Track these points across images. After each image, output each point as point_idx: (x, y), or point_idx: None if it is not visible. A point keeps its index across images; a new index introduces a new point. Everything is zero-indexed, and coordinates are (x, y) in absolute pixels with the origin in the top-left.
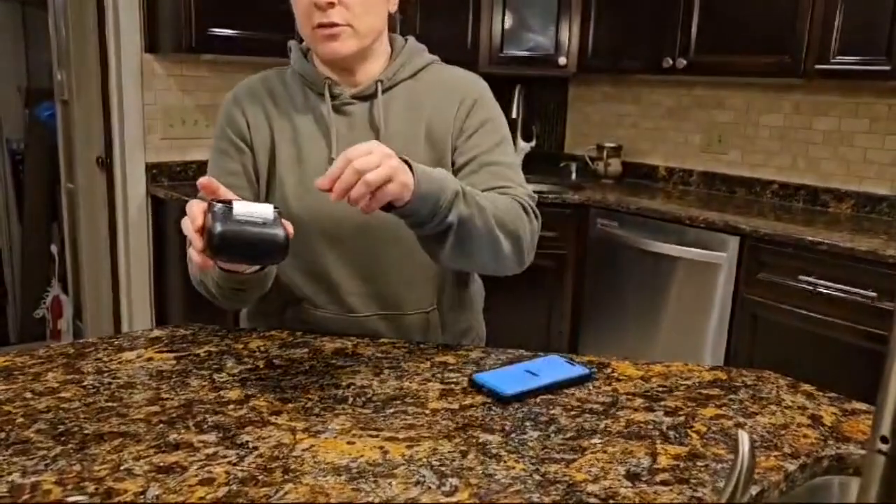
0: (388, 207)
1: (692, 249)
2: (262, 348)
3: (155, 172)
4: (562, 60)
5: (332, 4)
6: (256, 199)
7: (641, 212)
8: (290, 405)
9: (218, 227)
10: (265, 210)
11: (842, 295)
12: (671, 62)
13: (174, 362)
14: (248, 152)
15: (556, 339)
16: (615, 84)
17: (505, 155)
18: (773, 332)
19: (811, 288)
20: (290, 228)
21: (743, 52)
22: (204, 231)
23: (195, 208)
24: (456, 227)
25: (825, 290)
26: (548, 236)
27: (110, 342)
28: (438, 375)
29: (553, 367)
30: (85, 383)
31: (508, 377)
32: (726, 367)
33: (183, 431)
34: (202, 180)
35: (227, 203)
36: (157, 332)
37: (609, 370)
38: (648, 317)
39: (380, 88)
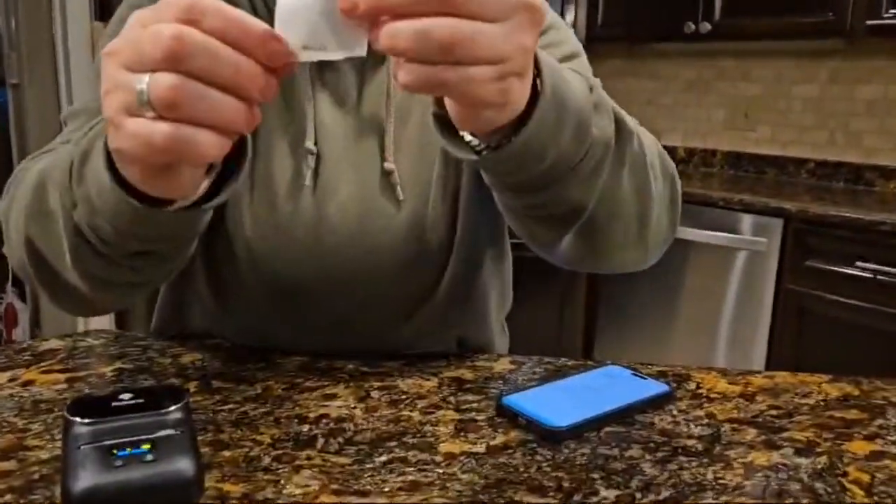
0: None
1: (724, 234)
2: (197, 363)
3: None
4: None
5: None
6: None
7: None
8: (226, 453)
9: (80, 483)
10: (157, 422)
11: None
12: (693, 27)
13: (64, 387)
14: None
15: (569, 338)
16: (628, 56)
17: (586, 70)
18: (824, 327)
19: (870, 276)
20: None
21: (777, 12)
22: None
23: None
24: (602, 187)
25: (887, 278)
26: None
27: None
28: (451, 399)
29: (615, 384)
30: None
31: (554, 400)
32: (854, 377)
33: None
34: None
35: (97, 414)
36: (53, 343)
37: (693, 385)
38: (674, 312)
39: None
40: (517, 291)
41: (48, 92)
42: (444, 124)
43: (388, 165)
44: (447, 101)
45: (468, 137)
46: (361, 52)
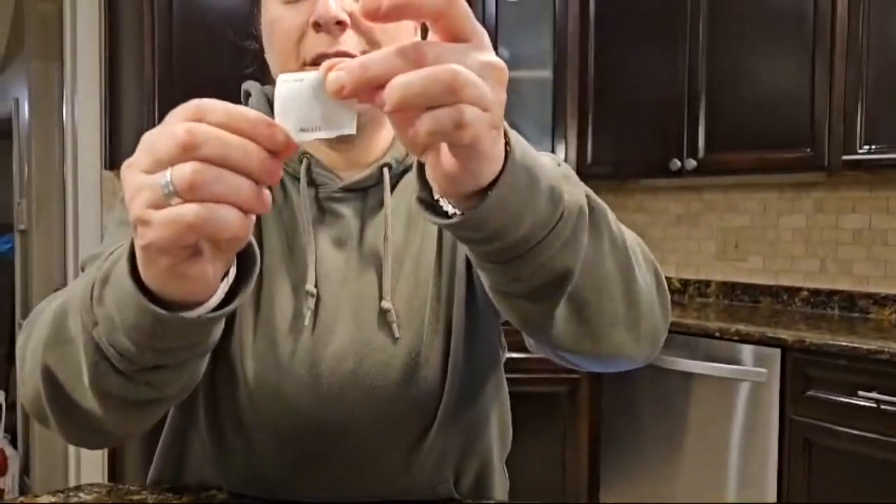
0: (434, 208)
1: (724, 366)
2: None
3: None
4: None
5: (342, 26)
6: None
7: None
8: None
9: None
10: None
11: None
12: (679, 164)
13: None
14: None
15: (573, 478)
16: (617, 192)
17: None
18: (832, 458)
19: (874, 405)
20: None
21: (758, 149)
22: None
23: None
24: (584, 257)
25: (892, 408)
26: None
27: None
28: None
29: None
30: None
31: None
32: None
33: None
34: None
35: None
36: (44, 500)
37: None
38: (680, 446)
39: (387, 178)
40: (517, 432)
41: (55, 238)
42: (427, 206)
43: (386, 304)
44: (434, 173)
45: (451, 211)
46: (351, 130)
